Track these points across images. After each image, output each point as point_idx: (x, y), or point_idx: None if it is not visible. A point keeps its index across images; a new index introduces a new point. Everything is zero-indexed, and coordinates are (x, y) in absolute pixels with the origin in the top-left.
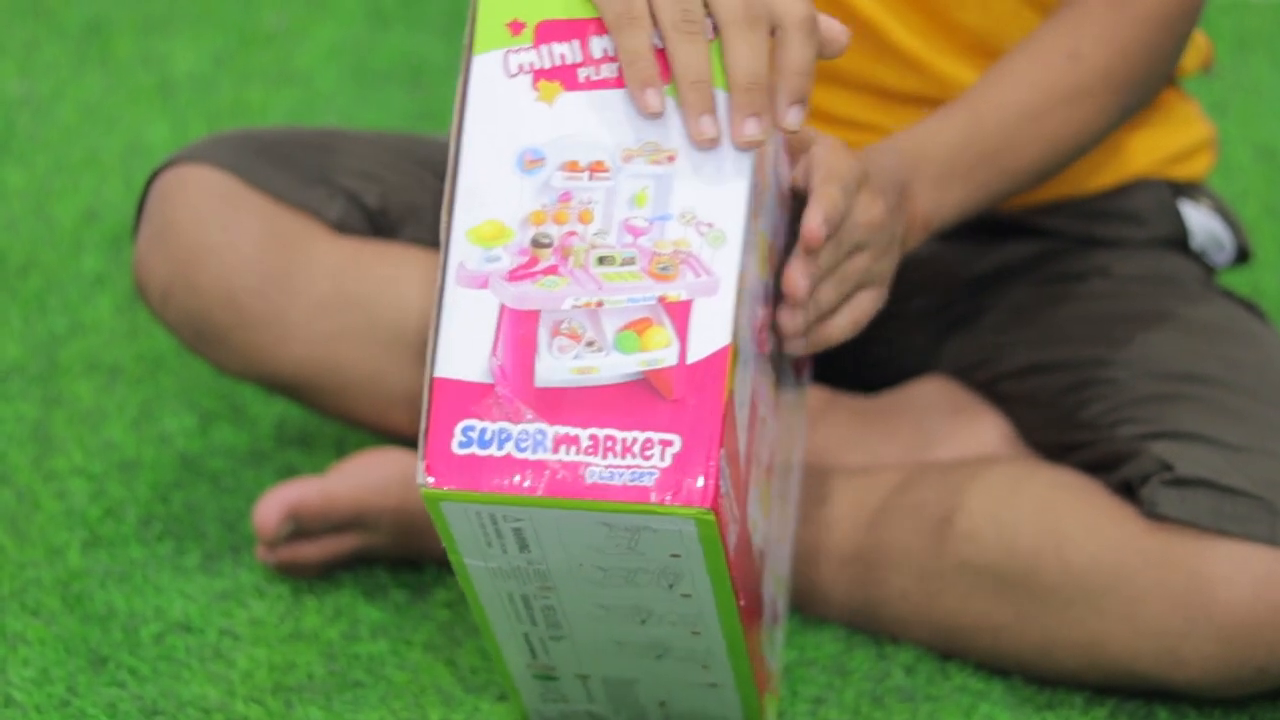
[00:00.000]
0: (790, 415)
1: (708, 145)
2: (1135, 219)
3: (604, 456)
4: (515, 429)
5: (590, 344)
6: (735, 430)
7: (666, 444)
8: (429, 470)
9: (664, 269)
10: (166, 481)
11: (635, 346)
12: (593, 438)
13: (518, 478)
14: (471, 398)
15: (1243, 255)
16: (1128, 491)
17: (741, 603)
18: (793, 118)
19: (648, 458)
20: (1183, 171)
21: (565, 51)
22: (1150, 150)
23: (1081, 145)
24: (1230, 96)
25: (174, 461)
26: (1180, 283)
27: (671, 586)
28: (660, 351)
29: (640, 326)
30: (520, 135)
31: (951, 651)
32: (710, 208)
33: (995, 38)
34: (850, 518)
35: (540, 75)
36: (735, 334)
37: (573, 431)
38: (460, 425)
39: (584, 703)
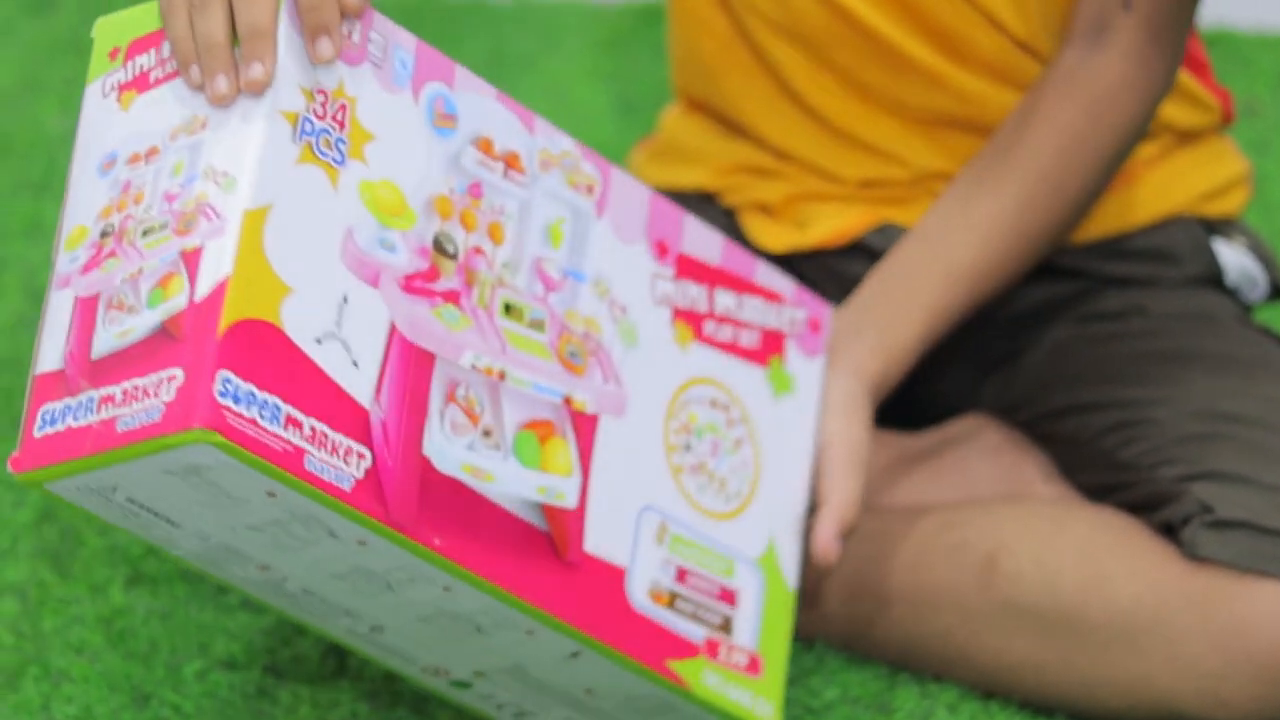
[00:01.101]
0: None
1: (223, 103)
2: (1169, 258)
3: (129, 405)
4: (74, 401)
5: (130, 310)
6: (319, 368)
7: (171, 379)
8: (13, 459)
9: (186, 224)
10: None
11: (159, 300)
12: (124, 391)
13: (72, 444)
14: (51, 386)
15: (1277, 292)
16: (1169, 532)
17: (437, 543)
18: (321, 48)
19: (156, 395)
20: (1217, 208)
21: (144, 61)
22: (1184, 187)
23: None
24: (1272, 135)
25: None
26: (1217, 320)
27: (334, 534)
28: (175, 299)
29: (164, 282)
30: (102, 144)
31: (995, 690)
32: (225, 158)
33: (1012, 56)
34: (893, 557)
35: (123, 88)
36: (254, 267)
37: (111, 390)
38: (39, 411)
39: (537, 704)
